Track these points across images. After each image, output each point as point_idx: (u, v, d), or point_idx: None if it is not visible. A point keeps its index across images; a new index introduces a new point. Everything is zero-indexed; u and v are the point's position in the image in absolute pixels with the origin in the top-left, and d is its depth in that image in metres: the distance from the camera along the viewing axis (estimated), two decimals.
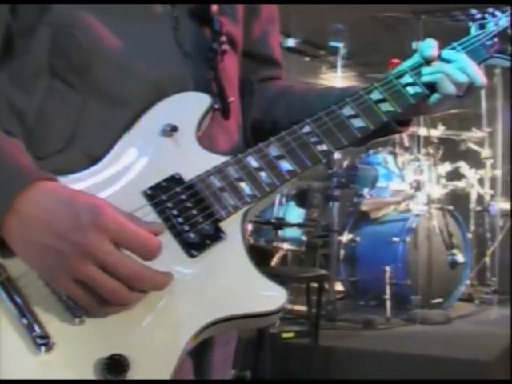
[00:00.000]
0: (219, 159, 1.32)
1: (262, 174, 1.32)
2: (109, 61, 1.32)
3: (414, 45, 5.46)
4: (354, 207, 6.13)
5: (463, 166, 6.36)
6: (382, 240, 5.76)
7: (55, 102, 1.31)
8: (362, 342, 4.92)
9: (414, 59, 1.51)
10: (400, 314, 5.47)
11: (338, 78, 6.49)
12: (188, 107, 1.35)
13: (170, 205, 1.27)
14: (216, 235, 1.27)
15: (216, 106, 1.38)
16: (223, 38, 1.43)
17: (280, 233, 5.96)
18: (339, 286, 6.11)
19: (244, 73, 1.59)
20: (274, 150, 1.34)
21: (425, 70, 1.49)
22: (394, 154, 6.15)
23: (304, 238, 6.03)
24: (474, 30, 1.59)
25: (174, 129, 1.31)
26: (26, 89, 1.32)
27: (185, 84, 1.38)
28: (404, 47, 5.78)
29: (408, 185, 6.05)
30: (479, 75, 1.49)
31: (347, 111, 1.41)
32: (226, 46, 1.44)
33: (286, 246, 6.05)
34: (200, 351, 1.38)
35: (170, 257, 1.23)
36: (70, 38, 1.32)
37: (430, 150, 6.11)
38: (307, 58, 8.08)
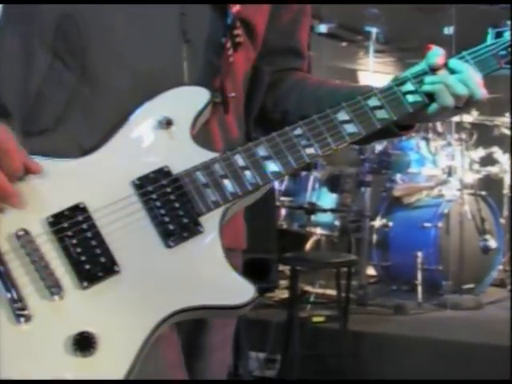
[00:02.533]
0: (209, 155, 1.38)
1: (247, 173, 1.38)
2: (103, 48, 1.38)
3: (446, 30, 5.43)
4: (386, 192, 6.13)
5: (497, 152, 6.32)
6: (415, 225, 5.76)
7: (53, 81, 1.38)
8: (392, 327, 4.94)
9: (420, 66, 1.52)
10: (431, 299, 5.48)
11: (371, 63, 6.45)
12: (186, 102, 1.40)
13: (154, 196, 1.34)
14: (194, 229, 1.35)
15: (216, 100, 1.42)
16: (237, 32, 1.45)
17: (313, 218, 6.00)
18: (372, 271, 6.13)
19: (260, 62, 1.61)
20: (262, 150, 1.39)
21: (427, 78, 1.50)
22: (427, 140, 6.13)
23: (337, 222, 6.07)
24: (489, 38, 1.57)
25: (170, 122, 1.37)
26: (31, 63, 1.39)
27: (178, 76, 1.41)
28: (440, 33, 5.75)
29: (440, 170, 6.04)
30: (479, 89, 1.49)
31: (341, 116, 1.45)
32: (240, 39, 1.46)
33: (318, 230, 6.10)
34: (194, 332, 1.45)
35: (149, 245, 1.32)
36: (71, 21, 1.38)
37: (463, 136, 6.07)
38: (344, 43, 8.04)
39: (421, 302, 5.41)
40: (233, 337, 1.63)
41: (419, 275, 5.48)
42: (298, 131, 1.42)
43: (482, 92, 1.49)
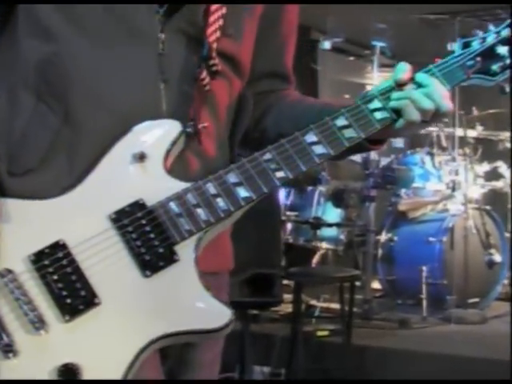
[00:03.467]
0: (181, 185, 1.41)
1: (219, 201, 1.41)
2: (83, 91, 1.42)
3: (449, 46, 5.45)
4: (392, 207, 6.16)
5: (501, 166, 6.33)
6: (419, 240, 5.78)
7: (37, 123, 1.42)
8: (396, 341, 4.97)
9: (387, 82, 1.53)
10: (436, 313, 5.50)
11: (376, 77, 6.48)
12: (158, 135, 1.44)
13: (130, 228, 1.38)
14: (170, 258, 1.39)
15: (188, 130, 1.45)
16: (213, 61, 1.47)
17: (318, 232, 6.02)
18: (377, 285, 6.14)
19: (246, 88, 1.63)
20: (232, 177, 1.42)
21: (394, 94, 1.51)
22: (432, 155, 6.16)
23: (342, 237, 6.09)
24: (457, 49, 1.57)
25: (143, 156, 1.41)
26: (15, 106, 1.44)
27: (157, 114, 1.44)
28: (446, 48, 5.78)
29: (445, 185, 6.07)
30: (445, 102, 1.49)
31: (310, 137, 1.46)
32: (217, 67, 1.48)
33: (324, 245, 6.12)
34: (183, 348, 1.49)
35: (127, 276, 1.37)
36: (51, 66, 1.42)
37: (467, 151, 6.10)
38: (351, 58, 8.07)
39: (425, 316, 5.42)
40: (221, 354, 1.65)
41: (424, 289, 5.50)
42: (268, 156, 1.44)
43: (447, 105, 1.50)
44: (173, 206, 1.40)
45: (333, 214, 6.08)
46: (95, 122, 1.42)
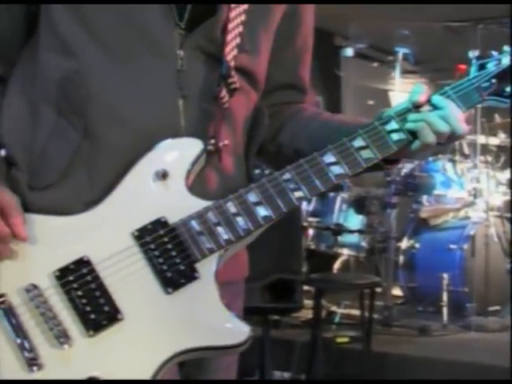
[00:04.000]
0: (203, 204, 1.45)
1: (239, 220, 1.44)
2: (103, 108, 1.45)
3: (471, 54, 5.45)
4: (413, 214, 6.16)
5: None
6: (441, 247, 5.79)
7: (58, 137, 1.46)
8: (416, 348, 4.96)
9: (404, 104, 1.54)
10: (457, 320, 5.49)
11: (399, 84, 6.48)
12: (179, 153, 1.47)
13: (152, 246, 1.42)
14: (191, 275, 1.43)
15: (210, 148, 1.48)
16: (232, 80, 1.50)
17: (340, 238, 6.04)
18: (398, 292, 6.15)
19: (261, 101, 1.66)
20: (252, 196, 1.45)
21: (410, 116, 1.52)
22: (454, 162, 6.16)
23: (364, 243, 6.11)
24: (473, 71, 1.58)
25: (165, 174, 1.45)
26: (37, 121, 1.48)
27: (175, 131, 1.47)
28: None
29: (467, 192, 6.07)
30: (461, 125, 1.51)
31: (328, 158, 1.49)
32: (236, 85, 1.52)
33: (345, 251, 6.14)
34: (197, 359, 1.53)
35: (149, 292, 1.42)
36: (72, 83, 1.46)
37: (489, 158, 6.10)
38: (375, 64, 8.08)
39: (446, 324, 5.42)
40: (239, 359, 1.69)
41: (445, 297, 5.49)
42: (287, 176, 1.47)
43: (463, 128, 1.51)
44: (194, 224, 1.43)
45: (354, 220, 6.09)
46: (114, 138, 1.46)
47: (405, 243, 6.04)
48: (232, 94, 1.52)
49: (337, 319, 5.46)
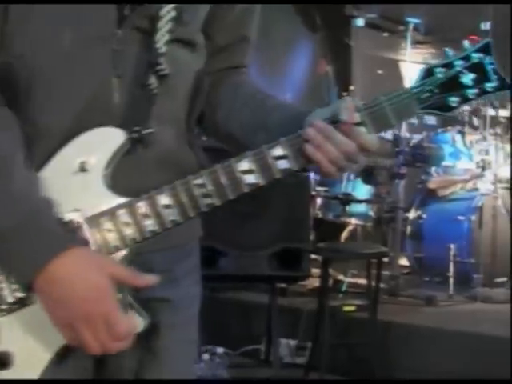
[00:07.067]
0: (116, 201, 1.42)
1: (148, 222, 1.41)
2: (38, 92, 1.43)
3: (483, 26, 5.43)
4: (422, 185, 6.18)
5: None
6: (448, 218, 5.81)
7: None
8: (421, 318, 5.00)
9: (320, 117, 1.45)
10: (463, 291, 5.53)
11: (409, 54, 6.44)
12: (100, 144, 1.43)
13: None
14: None
15: (134, 136, 1.44)
16: (160, 67, 1.45)
17: (348, 208, 6.08)
18: (405, 262, 6.18)
19: (205, 66, 1.61)
20: (163, 199, 1.41)
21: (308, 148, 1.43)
22: (463, 133, 6.16)
23: (371, 213, 6.14)
24: (417, 78, 1.42)
25: (84, 166, 1.41)
26: None
27: (107, 111, 1.44)
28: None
29: (475, 164, 6.07)
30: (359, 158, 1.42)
31: (242, 166, 1.43)
32: (165, 71, 1.45)
33: (353, 220, 6.18)
34: (148, 337, 1.50)
35: None
36: (9, 68, 1.43)
37: (498, 130, 6.09)
38: (386, 34, 8.02)
39: (452, 294, 5.45)
40: (197, 316, 1.64)
41: (451, 267, 5.52)
42: (199, 181, 1.42)
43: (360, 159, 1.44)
44: (104, 221, 1.40)
45: (362, 190, 6.13)
46: (52, 121, 1.43)
47: (412, 214, 6.06)
48: (161, 79, 1.46)
49: (344, 288, 5.50)
